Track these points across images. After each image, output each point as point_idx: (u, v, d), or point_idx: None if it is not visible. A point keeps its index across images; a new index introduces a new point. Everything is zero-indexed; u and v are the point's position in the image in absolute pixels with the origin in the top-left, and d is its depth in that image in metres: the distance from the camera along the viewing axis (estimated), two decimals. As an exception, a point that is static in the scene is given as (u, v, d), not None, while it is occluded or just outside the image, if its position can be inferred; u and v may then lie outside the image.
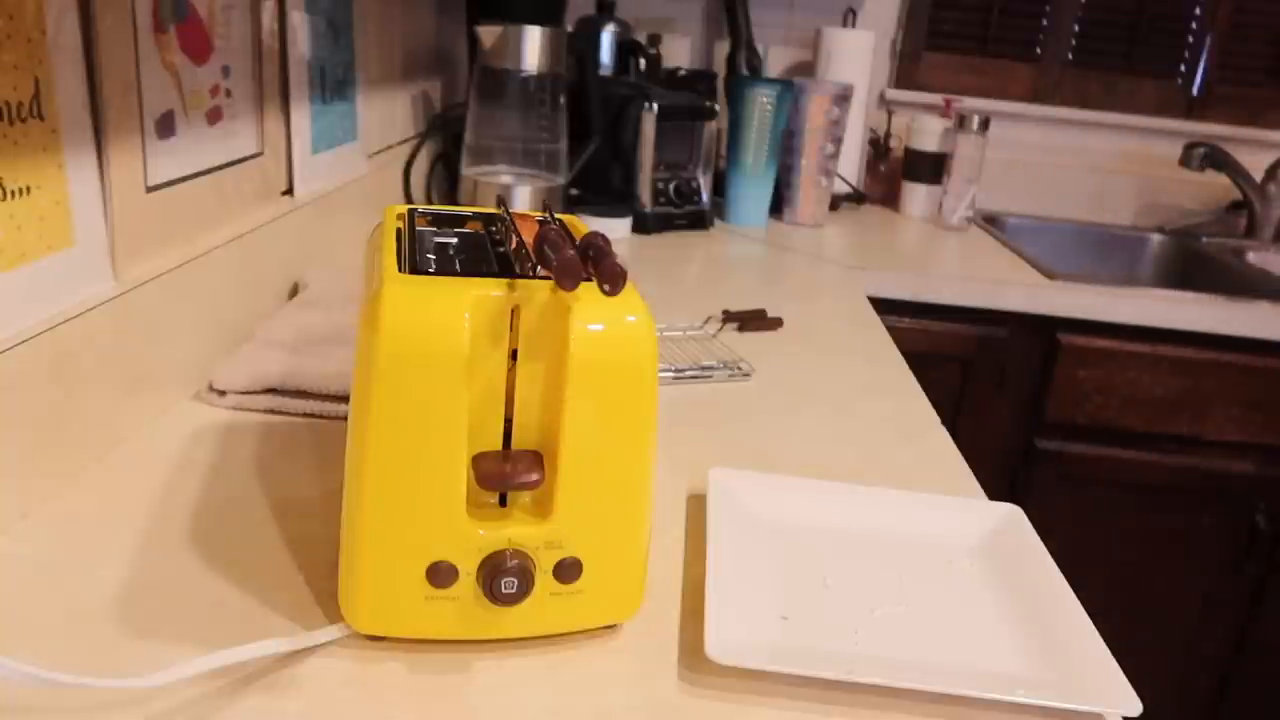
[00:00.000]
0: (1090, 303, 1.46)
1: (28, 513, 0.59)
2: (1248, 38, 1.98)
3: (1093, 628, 0.56)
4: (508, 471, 0.48)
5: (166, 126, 0.73)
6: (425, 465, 0.47)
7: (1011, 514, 0.68)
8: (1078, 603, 0.58)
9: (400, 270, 0.50)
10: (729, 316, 1.10)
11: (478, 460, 0.49)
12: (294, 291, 0.98)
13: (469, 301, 0.47)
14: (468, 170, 1.33)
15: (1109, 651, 0.54)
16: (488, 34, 1.29)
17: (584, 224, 0.59)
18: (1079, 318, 1.47)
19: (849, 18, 1.90)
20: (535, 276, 0.49)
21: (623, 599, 0.54)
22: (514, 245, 0.53)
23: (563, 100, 1.34)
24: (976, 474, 0.80)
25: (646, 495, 0.52)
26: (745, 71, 1.77)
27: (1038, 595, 0.60)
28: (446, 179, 1.50)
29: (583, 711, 0.48)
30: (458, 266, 0.54)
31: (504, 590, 0.49)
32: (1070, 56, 2.00)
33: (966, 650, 0.56)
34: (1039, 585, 0.61)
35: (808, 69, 1.94)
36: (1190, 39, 1.98)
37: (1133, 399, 1.50)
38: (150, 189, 0.71)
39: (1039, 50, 2.00)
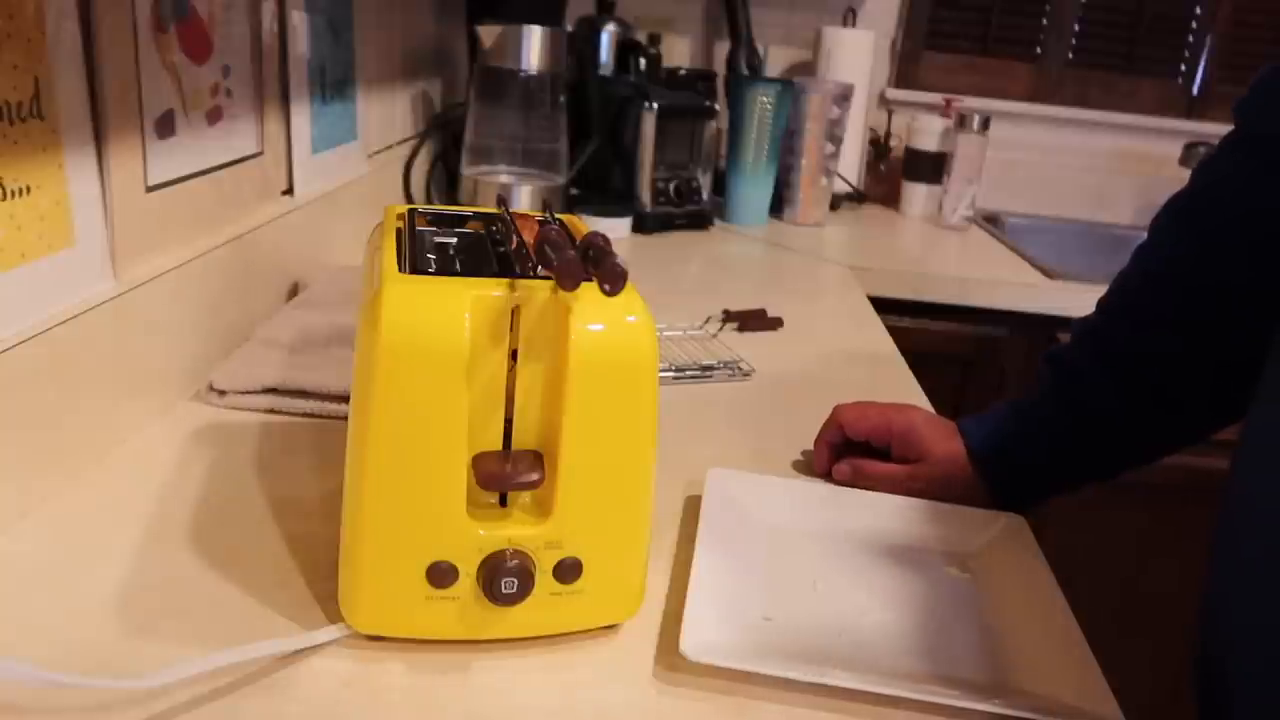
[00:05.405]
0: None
1: (28, 513, 0.59)
2: (1248, 38, 1.97)
3: (1085, 644, 0.55)
4: (508, 471, 0.48)
5: (166, 126, 0.73)
6: (425, 465, 0.47)
7: (1012, 523, 0.68)
8: (1071, 616, 0.57)
9: (400, 270, 0.50)
10: (729, 316, 1.10)
11: (478, 460, 0.49)
12: (294, 292, 0.97)
13: (469, 301, 0.47)
14: (468, 170, 1.33)
15: (1099, 670, 0.53)
16: (488, 34, 1.29)
17: (584, 224, 0.59)
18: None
19: (849, 18, 1.90)
20: (535, 276, 0.49)
21: (623, 599, 0.54)
22: (514, 245, 0.53)
23: (563, 100, 1.34)
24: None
25: (647, 495, 0.52)
26: (745, 71, 1.77)
27: (1030, 606, 0.59)
28: (446, 179, 1.50)
29: (583, 711, 0.48)
30: (458, 266, 0.54)
31: (504, 590, 0.49)
32: (1070, 56, 2.00)
33: (949, 658, 0.55)
34: (1033, 596, 0.60)
35: (808, 69, 1.94)
36: (1190, 39, 1.98)
37: (1133, 399, 1.49)
38: (150, 189, 0.71)
39: (1039, 50, 2.00)
